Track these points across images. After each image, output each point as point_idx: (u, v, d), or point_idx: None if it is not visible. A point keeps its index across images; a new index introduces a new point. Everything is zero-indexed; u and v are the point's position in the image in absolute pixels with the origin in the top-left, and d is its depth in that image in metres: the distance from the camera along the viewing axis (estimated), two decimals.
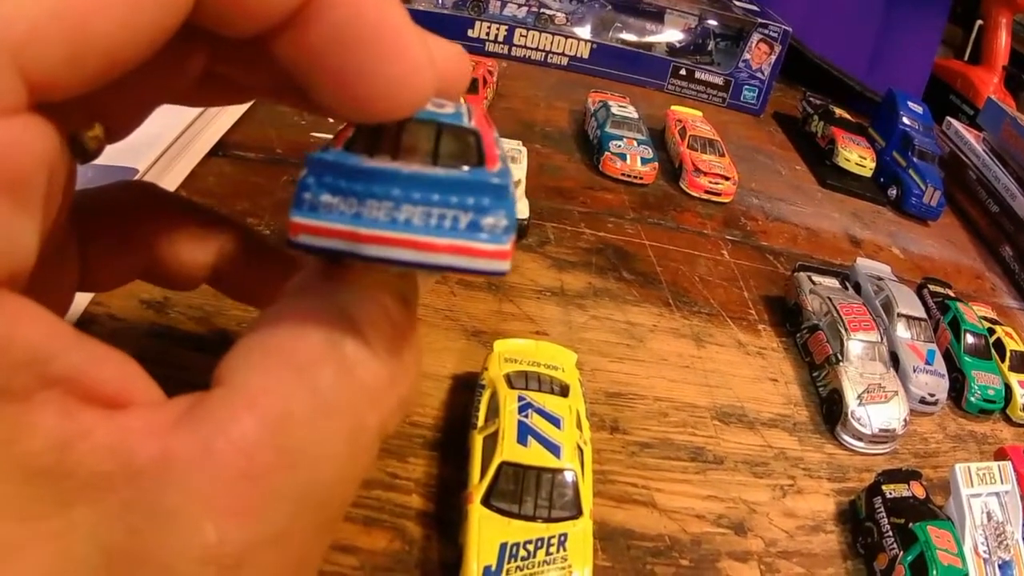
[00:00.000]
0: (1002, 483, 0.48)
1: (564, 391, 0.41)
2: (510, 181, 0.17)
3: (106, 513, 0.14)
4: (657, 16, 1.00)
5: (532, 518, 0.36)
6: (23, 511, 0.13)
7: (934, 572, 0.41)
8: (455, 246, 0.16)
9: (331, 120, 0.62)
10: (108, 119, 0.19)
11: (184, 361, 0.41)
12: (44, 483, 0.14)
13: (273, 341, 0.16)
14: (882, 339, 0.56)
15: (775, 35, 0.99)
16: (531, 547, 0.35)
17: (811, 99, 1.03)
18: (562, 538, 0.35)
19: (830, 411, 0.53)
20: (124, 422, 0.15)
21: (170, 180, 0.51)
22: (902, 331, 0.61)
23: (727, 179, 0.76)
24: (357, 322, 0.17)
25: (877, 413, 0.52)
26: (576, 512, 0.36)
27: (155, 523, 0.14)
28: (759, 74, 1.01)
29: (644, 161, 0.73)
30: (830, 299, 0.58)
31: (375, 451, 0.17)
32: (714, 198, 0.76)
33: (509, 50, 0.95)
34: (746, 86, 1.02)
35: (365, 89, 0.17)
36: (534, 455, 0.37)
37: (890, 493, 0.45)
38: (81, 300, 0.41)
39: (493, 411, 0.40)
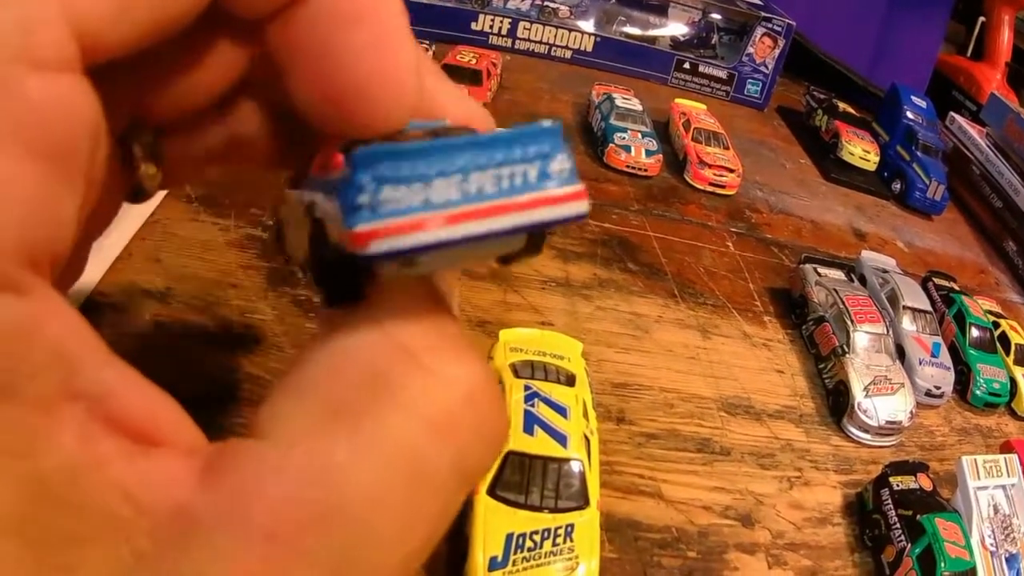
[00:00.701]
0: (1008, 476, 0.48)
1: (570, 380, 0.41)
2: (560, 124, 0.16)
3: (117, 561, 0.12)
4: (661, 10, 1.00)
5: (539, 508, 0.35)
6: (32, 535, 0.12)
7: (942, 564, 0.40)
8: (535, 199, 0.15)
9: None
10: (153, 117, 0.18)
11: (187, 352, 0.40)
12: (55, 509, 0.12)
13: (309, 382, 0.14)
14: (888, 331, 0.56)
15: (779, 29, 0.99)
16: (537, 538, 0.35)
17: (815, 93, 1.02)
18: (569, 529, 0.35)
19: (836, 403, 0.53)
20: (145, 465, 0.13)
21: None
22: (908, 324, 0.60)
23: (731, 171, 0.76)
24: (405, 343, 0.15)
25: (883, 405, 0.52)
26: (583, 502, 0.36)
27: None
28: (763, 68, 1.01)
29: (648, 153, 0.73)
30: (836, 291, 0.58)
31: (454, 494, 0.15)
32: (718, 190, 0.75)
33: (513, 43, 0.94)
34: (750, 80, 1.02)
35: (351, 85, 0.16)
36: (540, 444, 0.37)
37: (897, 485, 0.45)
38: (83, 287, 0.41)
39: None
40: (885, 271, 0.65)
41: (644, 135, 0.75)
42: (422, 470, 0.14)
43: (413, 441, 0.14)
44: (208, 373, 0.40)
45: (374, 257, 0.14)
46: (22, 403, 0.12)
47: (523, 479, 0.36)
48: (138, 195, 0.19)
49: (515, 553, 0.34)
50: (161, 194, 0.50)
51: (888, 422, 0.51)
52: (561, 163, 0.15)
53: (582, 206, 0.16)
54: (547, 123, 0.16)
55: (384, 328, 0.15)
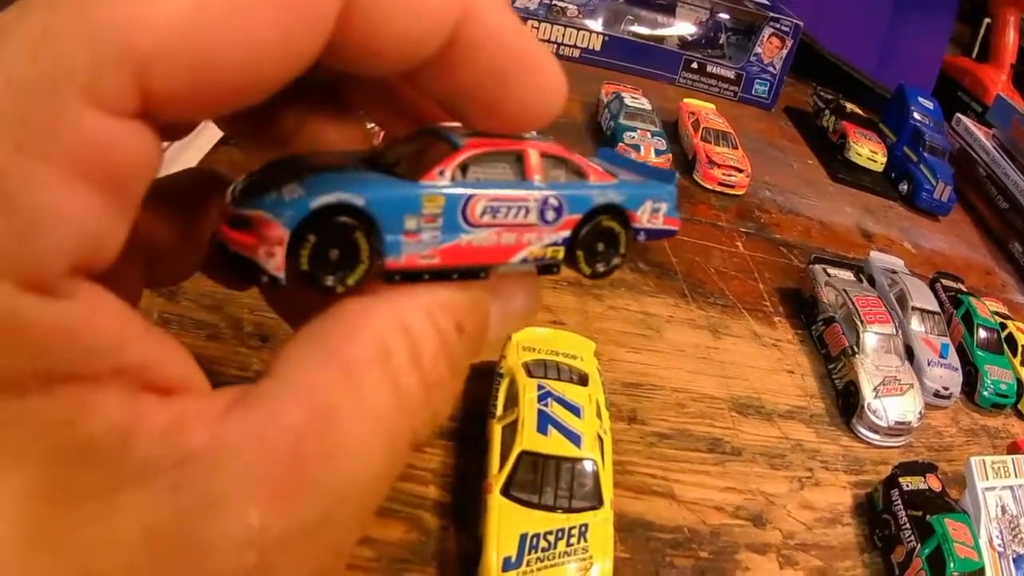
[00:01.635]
0: (1016, 477, 0.48)
1: (583, 380, 0.41)
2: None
3: (153, 495, 0.14)
4: (669, 9, 1.00)
5: (552, 508, 0.35)
6: (71, 493, 0.14)
7: (951, 565, 0.41)
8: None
9: None
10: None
11: (196, 349, 0.40)
12: (98, 465, 0.14)
13: (326, 338, 0.17)
14: (897, 332, 0.56)
15: (786, 29, 0.99)
16: (551, 538, 0.35)
17: (822, 94, 1.02)
18: (583, 529, 0.35)
19: (846, 403, 0.53)
20: (179, 408, 0.15)
21: (181, 167, 0.51)
22: (916, 325, 0.61)
23: (740, 171, 0.76)
24: (411, 334, 0.17)
25: (893, 406, 0.52)
26: (597, 502, 0.36)
27: (201, 505, 0.14)
28: (770, 68, 1.01)
29: (658, 152, 0.73)
30: (846, 291, 0.58)
31: (407, 457, 0.18)
32: (728, 190, 0.75)
33: None
34: (757, 80, 1.02)
35: (517, 109, 0.18)
36: (554, 444, 0.37)
37: (907, 486, 0.45)
38: None
39: (512, 400, 0.39)
40: (894, 272, 0.65)
41: (653, 134, 0.75)
42: (394, 434, 0.17)
43: (394, 413, 0.17)
44: (218, 371, 0.40)
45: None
46: (74, 382, 0.14)
47: (537, 479, 0.36)
48: None
49: (529, 553, 0.34)
50: None
51: (897, 422, 0.51)
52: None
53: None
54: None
55: (403, 318, 0.17)
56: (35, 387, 0.13)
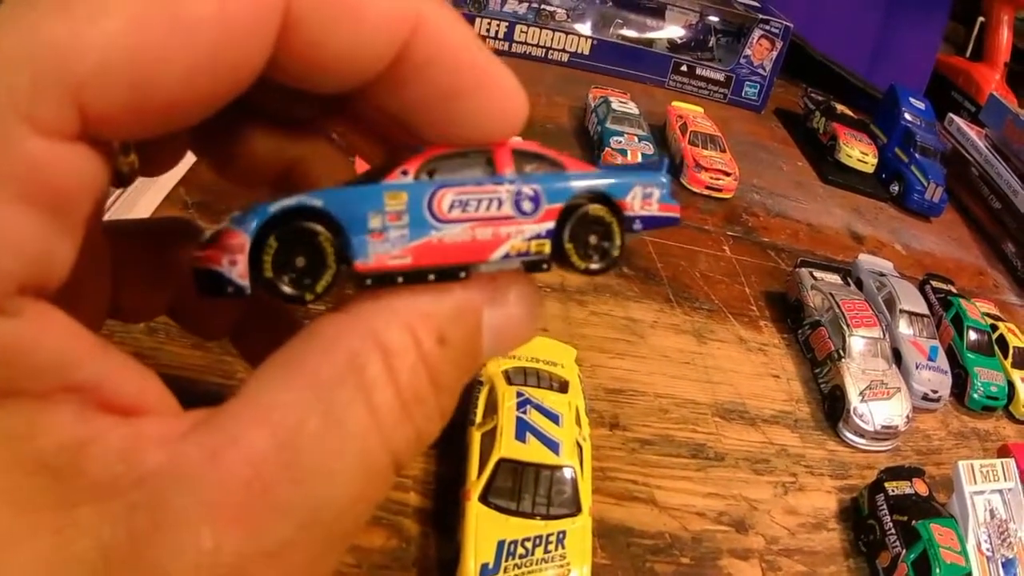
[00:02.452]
0: (1005, 480, 0.48)
1: (563, 387, 0.41)
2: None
3: (110, 514, 0.14)
4: (658, 12, 1.00)
5: (530, 515, 0.35)
6: (27, 503, 0.14)
7: (937, 570, 0.40)
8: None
9: None
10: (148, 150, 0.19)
11: (182, 358, 0.40)
12: (52, 480, 0.14)
13: (297, 358, 0.16)
14: (884, 335, 0.56)
15: (776, 31, 0.99)
16: (529, 544, 0.35)
17: (813, 95, 1.02)
18: (561, 535, 0.35)
19: (832, 408, 0.53)
20: (137, 428, 0.15)
21: (169, 175, 0.51)
22: (904, 327, 0.60)
23: (728, 175, 0.75)
24: (386, 348, 0.16)
25: (879, 410, 0.52)
26: (575, 509, 0.36)
27: (155, 526, 0.14)
28: (760, 70, 1.01)
29: (645, 157, 0.73)
30: (832, 295, 0.58)
31: (390, 477, 0.17)
32: (715, 194, 0.75)
33: (509, 47, 0.94)
34: (747, 82, 1.01)
35: (473, 127, 0.18)
36: (533, 452, 0.37)
37: (893, 490, 0.45)
38: None
39: (491, 407, 0.39)
40: (882, 274, 0.65)
41: (641, 138, 0.75)
42: (371, 453, 0.16)
43: (368, 432, 0.16)
44: (202, 380, 0.40)
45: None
46: (24, 398, 0.14)
47: (515, 486, 0.36)
48: (120, 182, 0.20)
49: (507, 560, 0.34)
50: (158, 198, 0.50)
51: (884, 427, 0.51)
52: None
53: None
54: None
55: (377, 332, 0.17)
56: None
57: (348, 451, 0.16)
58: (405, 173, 0.18)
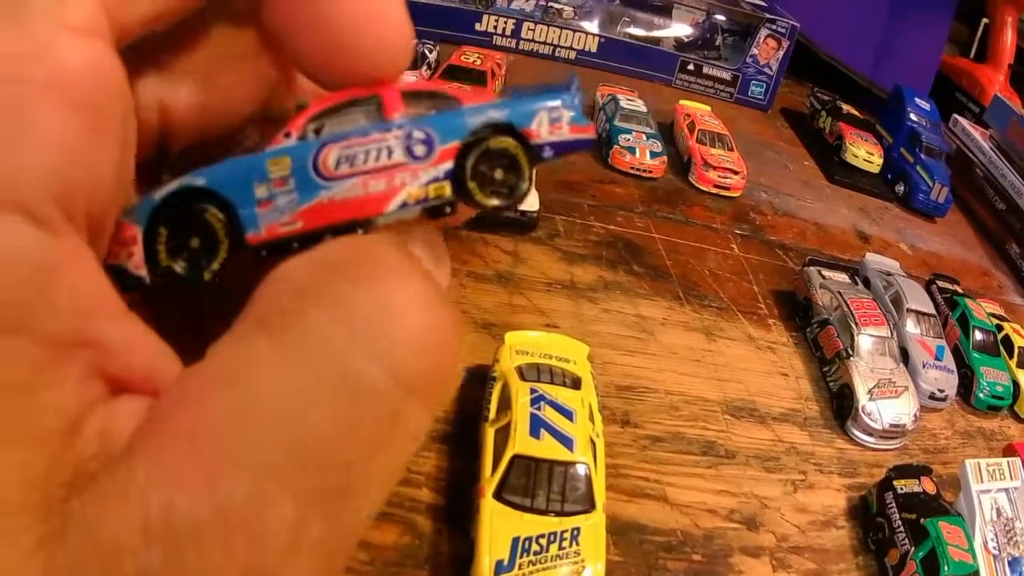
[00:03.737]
0: (1011, 479, 0.48)
1: (576, 384, 0.41)
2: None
3: (82, 499, 0.12)
4: (665, 11, 1.00)
5: (545, 512, 0.35)
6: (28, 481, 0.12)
7: (946, 568, 0.41)
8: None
9: None
10: None
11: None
12: (43, 443, 0.12)
13: (246, 308, 0.14)
14: (892, 334, 0.56)
15: (783, 31, 0.99)
16: (544, 541, 0.35)
17: (819, 95, 1.02)
18: (575, 532, 0.35)
19: (840, 406, 0.53)
20: (120, 406, 0.13)
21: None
22: (912, 327, 0.61)
23: (736, 173, 0.76)
24: (334, 262, 0.15)
25: (888, 408, 0.52)
26: (589, 506, 0.36)
27: (108, 495, 0.12)
28: (767, 69, 1.01)
29: (653, 155, 0.73)
30: (840, 294, 0.58)
31: (400, 403, 0.13)
32: (723, 192, 0.75)
33: (517, 44, 0.94)
34: (754, 81, 1.02)
35: (351, 58, 0.17)
36: (547, 448, 0.37)
37: (901, 489, 0.45)
38: None
39: (505, 404, 0.39)
40: (889, 274, 0.65)
41: (649, 136, 0.75)
42: (354, 374, 0.13)
43: (340, 343, 0.13)
44: None
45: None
46: (35, 339, 0.12)
47: (529, 482, 0.36)
48: None
49: (521, 557, 0.34)
50: None
51: (892, 425, 0.51)
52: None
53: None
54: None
55: (313, 254, 0.15)
56: None
57: (315, 375, 0.13)
58: (288, 135, 0.17)
